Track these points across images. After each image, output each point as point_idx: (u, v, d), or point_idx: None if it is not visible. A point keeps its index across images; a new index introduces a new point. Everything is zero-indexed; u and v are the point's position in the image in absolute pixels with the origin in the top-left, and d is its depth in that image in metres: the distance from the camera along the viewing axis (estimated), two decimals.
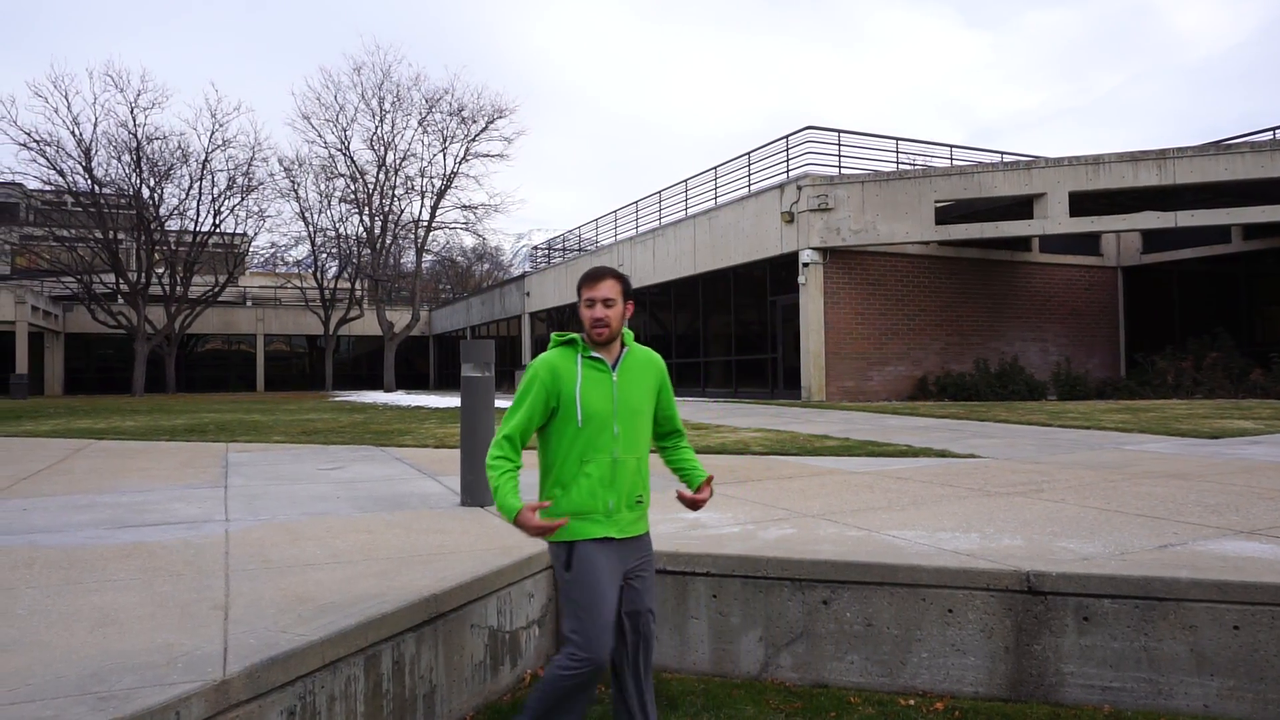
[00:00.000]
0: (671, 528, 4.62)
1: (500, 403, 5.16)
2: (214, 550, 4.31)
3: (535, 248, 41.15)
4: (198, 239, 36.65)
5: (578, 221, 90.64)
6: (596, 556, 2.78)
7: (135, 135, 33.59)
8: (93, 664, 2.59)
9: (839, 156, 19.30)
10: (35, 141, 32.00)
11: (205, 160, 35.66)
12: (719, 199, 22.29)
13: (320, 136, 47.92)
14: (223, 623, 3.02)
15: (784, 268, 19.12)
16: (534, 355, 36.36)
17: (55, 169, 32.88)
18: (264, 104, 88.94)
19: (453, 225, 37.53)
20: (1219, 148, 17.21)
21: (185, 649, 2.72)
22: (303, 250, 42.57)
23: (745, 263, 20.51)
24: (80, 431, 12.54)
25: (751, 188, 20.80)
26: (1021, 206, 18.18)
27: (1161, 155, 17.07)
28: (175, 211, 36.53)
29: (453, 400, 22.53)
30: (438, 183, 34.12)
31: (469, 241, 48.88)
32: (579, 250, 33.26)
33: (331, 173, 36.47)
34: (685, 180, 24.13)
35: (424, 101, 34.70)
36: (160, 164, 34.97)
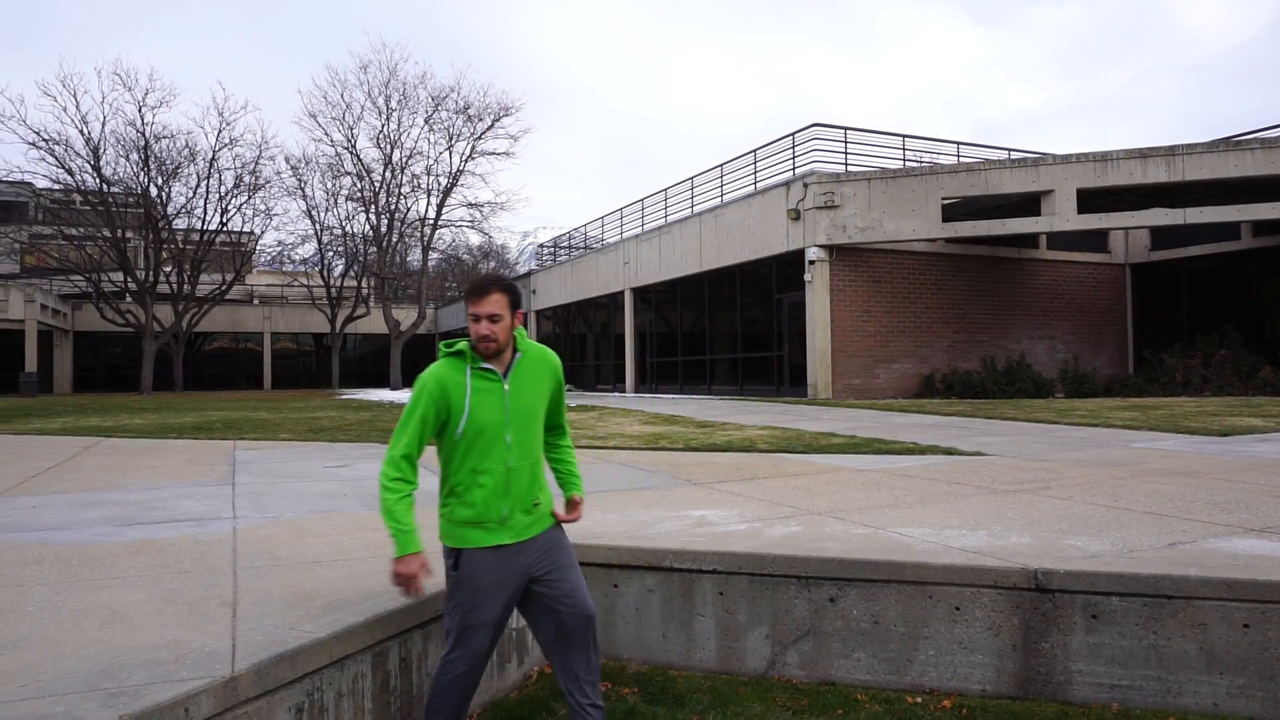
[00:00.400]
0: (678, 525, 4.62)
1: None
2: (222, 547, 4.33)
3: (541, 246, 41.17)
4: (205, 237, 36.76)
5: (584, 219, 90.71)
6: (484, 563, 2.81)
7: (143, 134, 33.70)
8: (102, 660, 2.60)
9: (845, 154, 19.26)
10: (44, 140, 32.13)
11: (213, 159, 35.77)
12: (725, 196, 22.26)
13: (327, 135, 48.11)
14: (231, 620, 3.03)
15: (790, 265, 19.09)
16: None
17: (64, 168, 33.00)
18: (271, 102, 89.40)
19: (459, 223, 37.57)
20: (1229, 144, 17.12)
21: (194, 645, 2.73)
22: (309, 248, 42.75)
23: (751, 260, 20.48)
24: (89, 429, 12.60)
25: (757, 185, 20.77)
26: (1029, 204, 18.11)
27: (1170, 152, 16.99)
28: (183, 210, 36.66)
29: None
30: (444, 181, 34.13)
31: (475, 239, 48.88)
32: (585, 248, 33.26)
33: (338, 171, 36.53)
34: (691, 178, 24.11)
35: (430, 99, 34.62)
36: (168, 163, 35.09)
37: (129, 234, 35.51)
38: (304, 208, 39.97)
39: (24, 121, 45.56)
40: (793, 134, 19.65)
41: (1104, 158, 17.25)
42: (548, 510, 2.96)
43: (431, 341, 48.83)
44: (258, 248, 44.39)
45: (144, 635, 2.85)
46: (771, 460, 7.72)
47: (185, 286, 36.78)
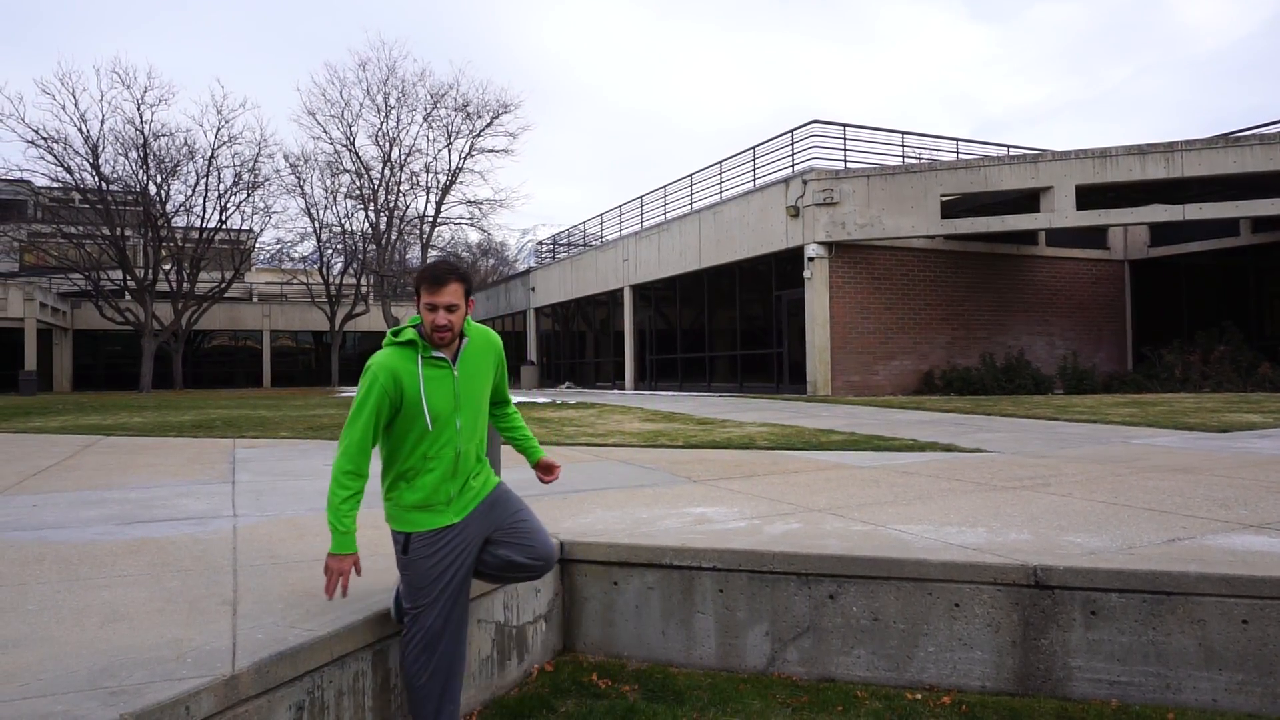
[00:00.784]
0: (678, 523, 4.63)
1: None
2: (222, 546, 4.33)
3: (540, 243, 41.16)
4: (204, 235, 36.72)
5: (583, 216, 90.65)
6: (433, 544, 2.88)
7: (142, 132, 33.65)
8: (103, 659, 2.61)
9: (844, 150, 19.25)
10: (43, 139, 32.09)
11: (211, 157, 35.72)
12: (724, 194, 22.25)
13: (326, 132, 48.10)
14: (231, 618, 3.03)
15: (789, 262, 19.09)
16: (539, 350, 36.33)
17: (63, 166, 32.97)
18: (269, 100, 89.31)
19: (458, 221, 37.53)
20: (1227, 140, 17.12)
21: (194, 644, 2.74)
22: (308, 246, 42.69)
23: (750, 257, 20.48)
24: (88, 428, 12.60)
25: (757, 182, 20.76)
26: (1028, 200, 18.11)
27: (1169, 148, 16.98)
28: (182, 208, 36.61)
29: None
30: (443, 178, 34.11)
31: (474, 237, 48.80)
32: (584, 245, 33.24)
33: (337, 169, 36.49)
34: (690, 175, 24.11)
35: (429, 97, 34.58)
36: (167, 160, 35.05)
37: (128, 232, 35.47)
38: (303, 205, 39.91)
39: (23, 120, 45.39)
40: (792, 131, 19.65)
41: (1103, 154, 17.24)
42: (488, 478, 3.06)
43: None
44: (257, 245, 44.36)
45: (144, 634, 2.86)
46: (771, 457, 7.72)
47: (184, 284, 36.76)
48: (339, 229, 40.27)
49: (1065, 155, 17.47)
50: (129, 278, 35.44)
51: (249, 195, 37.48)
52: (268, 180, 38.36)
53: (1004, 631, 3.52)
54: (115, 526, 4.90)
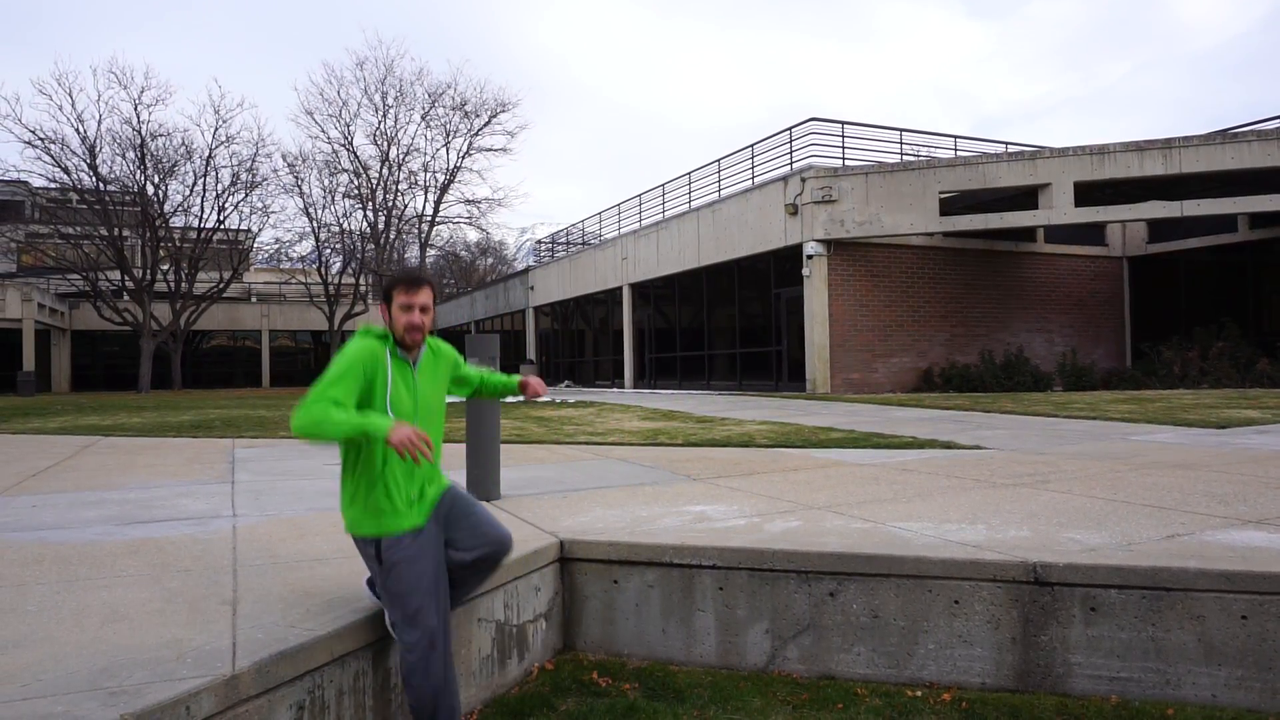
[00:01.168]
0: (678, 521, 4.63)
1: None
2: (221, 546, 4.33)
3: (539, 242, 41.14)
4: (202, 235, 36.68)
5: (582, 215, 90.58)
6: (404, 547, 2.91)
7: (139, 132, 33.62)
8: (103, 659, 2.60)
9: (843, 148, 19.25)
10: (40, 139, 32.06)
11: (209, 156, 35.68)
12: (723, 192, 22.24)
13: (324, 132, 48.10)
14: (231, 618, 3.03)
15: (788, 260, 19.09)
16: (539, 349, 36.22)
17: (60, 166, 32.93)
18: (267, 100, 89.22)
19: (456, 220, 37.60)
20: (1225, 136, 17.13)
21: (194, 644, 2.74)
22: (307, 246, 42.62)
23: (749, 255, 20.47)
24: (87, 428, 12.59)
25: (755, 180, 20.75)
26: (1026, 197, 18.11)
27: (1167, 144, 16.99)
28: (180, 208, 36.57)
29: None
30: (441, 177, 34.14)
31: (473, 236, 48.86)
32: (583, 244, 33.23)
33: (335, 168, 36.50)
34: (689, 173, 24.10)
35: (427, 96, 34.67)
36: (164, 160, 35.01)
37: (126, 232, 35.44)
38: (301, 205, 39.88)
39: (20, 120, 45.37)
40: (790, 129, 19.64)
41: (1101, 151, 17.25)
42: (441, 481, 3.14)
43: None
44: (255, 245, 44.32)
45: (144, 634, 2.85)
46: (770, 455, 7.73)
47: (183, 284, 36.73)
48: (337, 228, 40.27)
49: (1063, 152, 17.47)
50: (127, 278, 35.41)
51: (247, 195, 37.46)
52: (266, 180, 38.32)
53: (1004, 628, 3.53)
54: (115, 527, 4.89)
